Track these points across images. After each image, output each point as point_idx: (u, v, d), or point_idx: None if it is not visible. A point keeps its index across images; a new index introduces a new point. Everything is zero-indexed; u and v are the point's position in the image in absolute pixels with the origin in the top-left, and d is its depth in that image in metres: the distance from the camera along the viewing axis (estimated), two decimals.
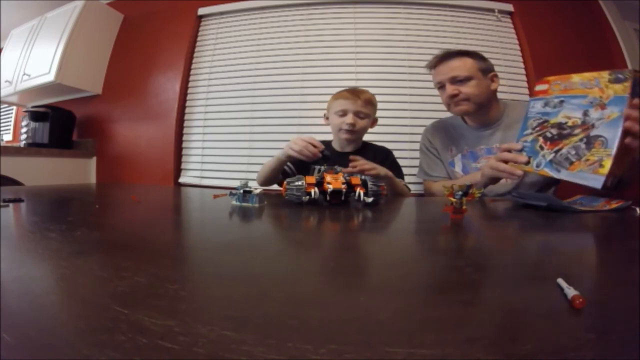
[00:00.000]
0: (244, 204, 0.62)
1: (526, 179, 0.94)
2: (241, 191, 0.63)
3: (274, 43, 1.87)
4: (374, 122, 1.10)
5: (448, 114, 1.17)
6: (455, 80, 1.00)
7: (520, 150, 0.76)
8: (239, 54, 1.92)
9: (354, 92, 1.03)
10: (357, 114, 1.02)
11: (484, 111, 1.03)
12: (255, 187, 0.64)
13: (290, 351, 0.14)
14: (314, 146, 0.89)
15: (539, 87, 0.77)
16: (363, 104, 1.02)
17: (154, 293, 0.20)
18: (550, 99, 0.73)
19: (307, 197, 0.63)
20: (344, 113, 1.03)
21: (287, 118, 1.78)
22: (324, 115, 1.14)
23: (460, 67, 0.99)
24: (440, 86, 1.04)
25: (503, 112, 1.04)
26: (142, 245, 0.34)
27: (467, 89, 0.98)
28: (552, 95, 0.73)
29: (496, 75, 1.03)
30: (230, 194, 0.64)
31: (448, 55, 1.02)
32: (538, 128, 0.73)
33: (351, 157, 0.88)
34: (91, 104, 2.20)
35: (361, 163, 0.87)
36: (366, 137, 1.16)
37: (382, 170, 0.91)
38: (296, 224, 0.50)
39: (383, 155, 1.11)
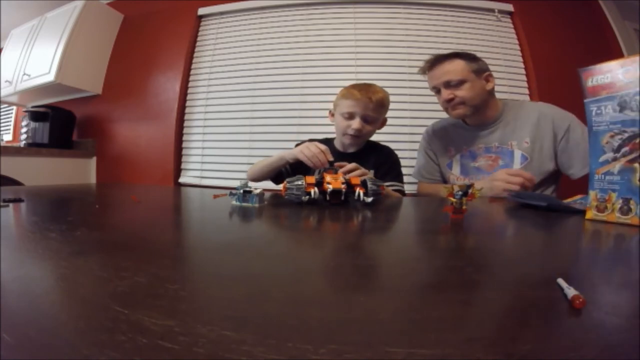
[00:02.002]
0: (244, 204, 0.62)
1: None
2: (241, 191, 0.63)
3: (274, 43, 1.88)
4: (382, 122, 1.04)
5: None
6: (449, 85, 0.99)
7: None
8: (239, 54, 1.92)
9: (365, 92, 0.94)
10: (365, 118, 0.94)
11: (482, 111, 1.02)
12: (256, 187, 0.64)
13: (290, 351, 0.14)
14: (325, 156, 0.84)
15: (594, 80, 0.49)
16: (374, 108, 0.94)
17: (154, 293, 0.20)
18: (628, 96, 0.45)
19: (307, 197, 0.63)
20: (350, 116, 0.95)
21: (287, 118, 1.79)
22: (329, 111, 1.08)
23: (452, 70, 0.98)
24: (436, 90, 1.04)
25: (502, 111, 1.04)
26: (142, 245, 0.34)
27: (462, 93, 0.98)
28: (629, 91, 0.45)
29: (491, 75, 1.02)
30: (230, 194, 0.64)
31: (439, 59, 1.01)
32: (626, 149, 0.45)
33: (336, 164, 0.83)
34: (91, 104, 2.21)
35: (345, 169, 0.82)
36: None
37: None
38: (296, 224, 0.50)
39: (384, 156, 1.08)
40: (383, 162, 1.04)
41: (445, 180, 1.14)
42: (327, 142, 1.06)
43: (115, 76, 2.17)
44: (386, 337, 0.15)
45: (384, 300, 0.20)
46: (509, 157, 1.00)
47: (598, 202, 0.50)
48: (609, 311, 0.19)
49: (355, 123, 0.94)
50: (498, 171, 0.93)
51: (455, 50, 1.04)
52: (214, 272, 0.26)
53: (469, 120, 1.07)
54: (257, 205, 0.61)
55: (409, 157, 1.56)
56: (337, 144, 1.08)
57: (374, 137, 1.11)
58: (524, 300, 0.21)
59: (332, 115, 1.06)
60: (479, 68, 1.00)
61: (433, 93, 1.08)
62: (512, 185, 0.85)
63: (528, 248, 0.38)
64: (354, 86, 0.98)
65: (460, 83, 0.98)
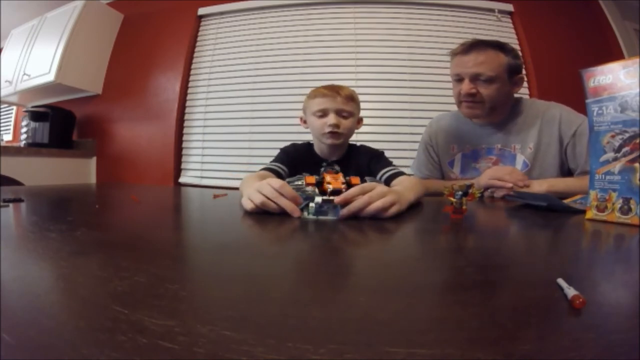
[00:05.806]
0: (322, 218, 0.48)
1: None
2: (320, 200, 0.48)
3: (274, 43, 1.88)
4: (359, 121, 0.97)
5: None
6: (476, 78, 0.88)
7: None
8: (239, 54, 1.92)
9: (332, 88, 0.90)
10: (339, 112, 0.88)
11: (494, 113, 0.94)
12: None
13: (290, 351, 0.14)
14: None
15: (596, 81, 0.50)
16: (344, 101, 0.88)
17: (154, 293, 0.20)
18: (629, 97, 0.46)
19: None
20: (324, 113, 0.89)
21: (287, 118, 1.79)
22: (300, 118, 1.00)
23: (488, 63, 0.87)
24: (457, 79, 0.92)
25: (512, 110, 0.95)
26: (142, 245, 0.34)
27: (487, 91, 0.88)
28: (630, 91, 0.46)
29: (522, 79, 0.93)
30: (303, 208, 0.51)
31: (480, 45, 0.88)
32: (627, 149, 0.46)
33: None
34: (91, 104, 2.20)
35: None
36: (363, 138, 1.13)
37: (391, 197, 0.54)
38: (295, 224, 0.50)
39: (368, 152, 0.97)
40: (370, 158, 0.95)
41: (444, 178, 1.12)
42: (309, 147, 1.00)
43: (115, 76, 2.17)
44: (386, 337, 0.15)
45: (384, 300, 0.20)
46: (510, 161, 0.95)
47: (598, 201, 0.50)
48: (609, 311, 0.19)
49: (331, 118, 0.87)
50: (492, 168, 0.91)
51: (500, 40, 0.92)
52: (214, 272, 0.26)
53: (477, 118, 1.00)
54: (336, 218, 0.49)
55: (409, 157, 1.56)
56: (317, 150, 0.98)
57: (373, 138, 1.10)
58: (524, 300, 0.21)
59: (304, 122, 0.98)
60: (516, 67, 0.89)
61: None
62: (496, 182, 0.82)
63: (528, 248, 0.38)
64: (318, 88, 0.94)
65: (491, 81, 0.87)
